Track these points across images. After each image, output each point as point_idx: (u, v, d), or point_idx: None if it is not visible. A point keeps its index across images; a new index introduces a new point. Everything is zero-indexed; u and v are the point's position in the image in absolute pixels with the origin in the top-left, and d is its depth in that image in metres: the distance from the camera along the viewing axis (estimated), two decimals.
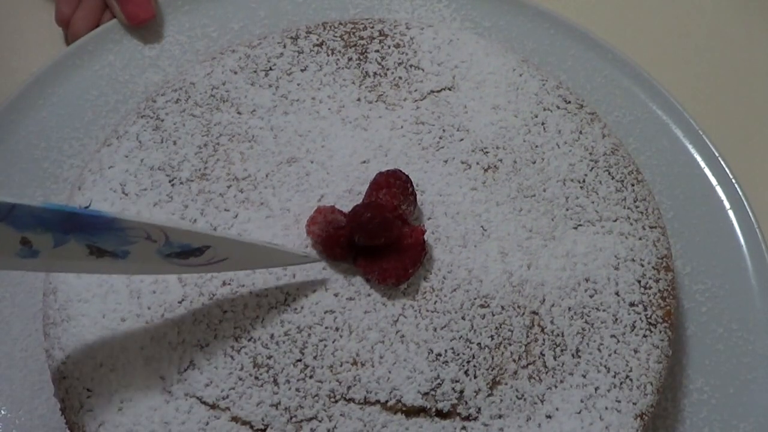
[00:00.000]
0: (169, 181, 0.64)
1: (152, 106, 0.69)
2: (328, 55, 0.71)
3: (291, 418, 0.54)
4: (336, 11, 0.85)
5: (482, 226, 0.62)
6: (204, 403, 0.55)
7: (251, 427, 0.54)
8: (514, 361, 0.58)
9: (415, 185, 0.63)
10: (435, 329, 0.58)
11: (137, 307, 0.58)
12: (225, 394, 0.55)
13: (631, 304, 0.61)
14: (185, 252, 0.53)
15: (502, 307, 0.59)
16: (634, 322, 0.60)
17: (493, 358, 0.57)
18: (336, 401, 0.55)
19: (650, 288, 0.62)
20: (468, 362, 0.57)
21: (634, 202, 0.66)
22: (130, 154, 0.66)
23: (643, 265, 0.63)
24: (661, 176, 0.78)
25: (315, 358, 0.56)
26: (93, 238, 0.50)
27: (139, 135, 0.67)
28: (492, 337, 0.58)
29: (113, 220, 0.50)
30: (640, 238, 0.64)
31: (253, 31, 0.83)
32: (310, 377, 0.56)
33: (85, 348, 0.57)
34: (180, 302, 0.58)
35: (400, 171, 0.61)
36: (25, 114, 0.77)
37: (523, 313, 0.59)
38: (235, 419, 0.54)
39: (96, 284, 0.59)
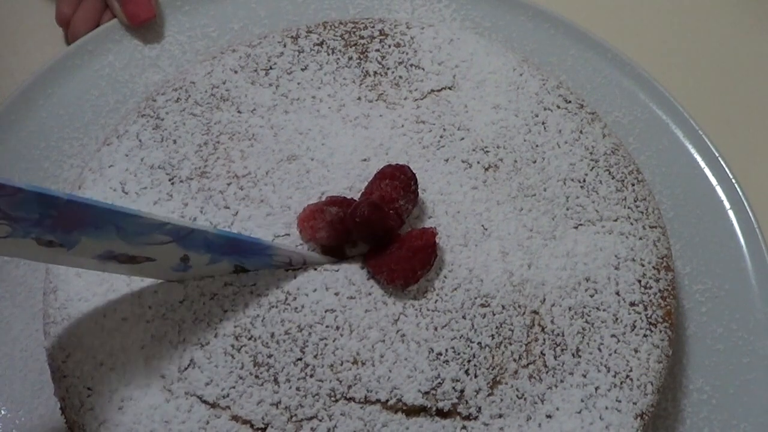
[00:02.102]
0: (169, 180, 0.64)
1: (152, 105, 0.68)
2: (328, 54, 0.71)
3: (291, 417, 0.54)
4: (336, 11, 0.85)
5: (483, 226, 0.62)
6: (204, 401, 0.55)
7: (251, 426, 0.54)
8: (514, 360, 0.58)
9: None
10: (435, 328, 0.58)
11: (138, 306, 0.58)
12: (225, 392, 0.55)
13: (632, 304, 0.61)
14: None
15: (503, 307, 0.59)
16: (635, 321, 0.60)
17: (493, 358, 0.57)
18: (336, 400, 0.55)
19: (650, 288, 0.62)
20: (468, 361, 0.57)
21: (635, 201, 0.66)
22: (130, 153, 0.66)
23: (643, 265, 0.63)
24: (661, 176, 0.78)
25: (315, 357, 0.56)
26: (244, 260, 0.57)
27: (139, 134, 0.67)
28: (492, 336, 0.58)
29: (269, 248, 0.57)
30: (640, 238, 0.64)
31: (253, 31, 0.83)
32: (311, 376, 0.55)
33: (85, 347, 0.57)
34: (181, 302, 0.58)
35: (408, 167, 0.61)
36: (25, 114, 0.76)
37: (524, 313, 0.59)
38: (235, 418, 0.54)
39: (96, 283, 0.59)
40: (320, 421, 0.54)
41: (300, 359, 0.56)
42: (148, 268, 0.54)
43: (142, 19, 0.80)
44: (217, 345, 0.56)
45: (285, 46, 0.72)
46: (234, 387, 0.55)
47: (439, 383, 0.56)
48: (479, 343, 0.57)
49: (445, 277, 0.60)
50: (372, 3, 0.86)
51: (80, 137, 0.77)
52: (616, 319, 0.60)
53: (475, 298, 0.59)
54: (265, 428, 0.54)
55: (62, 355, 0.57)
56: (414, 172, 0.61)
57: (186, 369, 0.56)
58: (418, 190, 0.62)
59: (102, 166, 0.65)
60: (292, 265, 0.59)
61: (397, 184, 0.60)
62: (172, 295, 0.58)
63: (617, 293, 0.61)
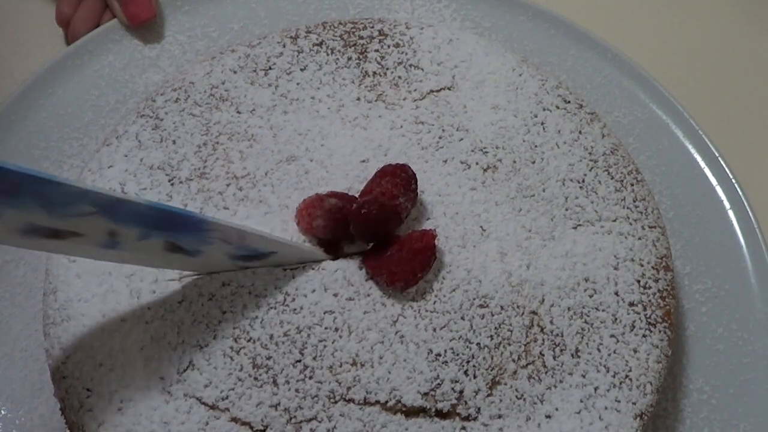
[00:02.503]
0: (169, 180, 0.64)
1: (152, 105, 0.69)
2: (327, 55, 0.71)
3: (291, 418, 0.54)
4: (336, 11, 0.85)
5: (481, 226, 0.62)
6: (203, 403, 0.55)
7: (251, 427, 0.54)
8: (513, 361, 0.58)
9: None
10: (434, 329, 0.58)
11: (137, 307, 0.58)
12: (224, 394, 0.55)
13: (631, 304, 0.61)
14: (252, 256, 0.57)
15: (502, 307, 0.59)
16: (634, 321, 0.60)
17: (492, 358, 0.57)
18: (336, 402, 0.55)
19: (650, 288, 0.62)
20: (467, 362, 0.57)
21: (634, 201, 0.65)
22: (129, 154, 0.66)
23: (642, 265, 0.63)
24: (661, 176, 0.78)
25: (314, 358, 0.56)
26: (176, 235, 0.52)
27: (138, 134, 0.67)
28: (491, 337, 0.58)
29: (203, 222, 0.52)
30: (639, 238, 0.64)
31: (253, 31, 0.83)
32: (310, 378, 0.55)
33: (85, 348, 0.57)
34: (180, 303, 0.58)
35: (409, 167, 0.61)
36: (25, 114, 0.77)
37: (523, 313, 0.59)
38: (234, 420, 0.54)
39: (96, 284, 0.59)
40: (319, 422, 0.54)
41: (299, 361, 0.56)
42: (74, 244, 0.50)
43: (142, 19, 0.80)
44: (216, 347, 0.56)
45: (284, 46, 0.72)
46: (233, 389, 0.55)
47: (438, 384, 0.56)
48: (478, 344, 0.57)
49: (444, 278, 0.60)
50: (372, 3, 0.86)
51: (80, 137, 0.77)
52: (615, 319, 0.60)
53: (474, 299, 0.59)
54: (265, 430, 0.54)
55: (62, 355, 0.57)
56: (414, 171, 0.61)
57: (185, 370, 0.56)
58: (417, 191, 0.62)
59: (101, 166, 0.65)
60: (228, 242, 0.55)
61: (397, 182, 0.60)
62: (170, 296, 0.58)
63: (616, 293, 0.61)
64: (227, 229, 0.54)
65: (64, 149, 0.76)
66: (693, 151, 0.79)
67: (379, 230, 0.59)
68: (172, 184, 0.64)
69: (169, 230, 0.52)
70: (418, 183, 0.62)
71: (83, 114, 0.78)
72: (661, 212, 0.69)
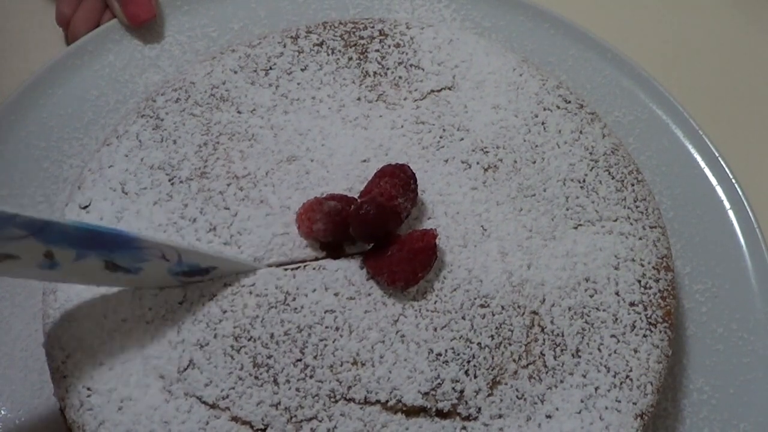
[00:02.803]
0: (169, 180, 0.64)
1: (152, 105, 0.68)
2: (328, 55, 0.71)
3: (291, 418, 0.54)
4: (336, 11, 0.85)
5: (482, 226, 0.62)
6: (204, 402, 0.55)
7: (251, 426, 0.54)
8: (514, 360, 0.58)
9: None
10: (435, 329, 0.58)
11: (138, 307, 0.58)
12: (225, 393, 0.55)
13: (631, 304, 0.61)
14: (193, 271, 0.57)
15: (502, 307, 0.59)
16: (634, 321, 0.60)
17: (493, 358, 0.57)
18: (336, 401, 0.55)
19: (650, 288, 0.62)
20: (468, 362, 0.57)
21: (634, 201, 0.65)
22: (129, 154, 0.66)
23: (643, 265, 0.63)
24: (661, 176, 0.78)
25: (315, 357, 0.56)
26: (112, 254, 0.53)
27: (139, 134, 0.67)
28: (492, 336, 0.58)
29: (134, 240, 0.53)
30: (640, 238, 0.64)
31: (253, 31, 0.83)
32: (311, 377, 0.55)
33: (85, 347, 0.57)
34: (180, 302, 0.58)
35: (408, 167, 0.61)
36: (25, 114, 0.76)
37: (523, 313, 0.59)
38: (235, 419, 0.54)
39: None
40: (320, 421, 0.54)
41: (300, 360, 0.56)
42: (13, 266, 0.50)
43: (142, 19, 0.80)
44: (216, 346, 0.56)
45: (285, 46, 0.72)
46: (234, 388, 0.55)
47: (439, 384, 0.56)
48: (479, 344, 0.57)
49: (445, 277, 0.60)
50: (372, 3, 0.86)
51: (80, 137, 0.77)
52: (616, 319, 0.60)
53: (475, 298, 0.59)
54: (265, 429, 0.54)
55: (62, 355, 0.57)
56: (414, 171, 0.61)
57: (185, 370, 0.56)
58: (418, 191, 0.62)
59: (102, 166, 0.65)
60: (166, 258, 0.56)
61: (396, 182, 0.60)
62: (171, 295, 0.58)
63: (617, 293, 0.61)
64: (161, 246, 0.54)
65: (64, 149, 0.76)
66: (693, 151, 0.79)
67: (378, 231, 0.58)
68: (172, 184, 0.64)
69: (104, 249, 0.52)
70: (419, 183, 0.62)
71: (83, 114, 0.78)
72: (661, 212, 0.69)
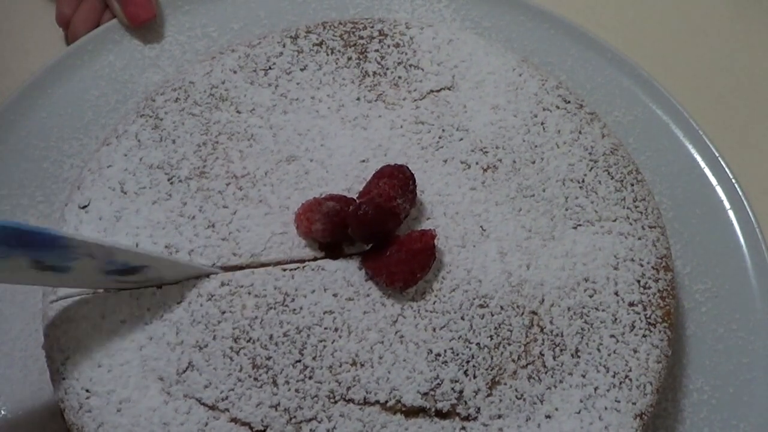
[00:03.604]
0: (168, 180, 0.64)
1: (151, 105, 0.68)
2: (327, 55, 0.71)
3: (290, 419, 0.54)
4: (336, 11, 0.85)
5: (481, 226, 0.62)
6: (203, 404, 0.55)
7: (250, 428, 0.54)
8: (513, 361, 0.58)
9: None
10: (434, 329, 0.58)
11: (136, 308, 0.58)
12: (224, 395, 0.55)
13: (631, 304, 0.61)
14: (125, 270, 0.56)
15: (501, 307, 0.59)
16: (634, 321, 0.60)
17: (492, 358, 0.57)
18: (335, 402, 0.55)
19: (649, 288, 0.62)
20: (467, 362, 0.57)
21: (634, 201, 0.65)
22: (129, 153, 0.66)
23: (642, 265, 0.62)
24: (661, 176, 0.78)
25: (314, 358, 0.56)
26: (38, 253, 0.51)
27: (138, 134, 0.67)
28: (491, 337, 0.58)
29: (57, 238, 0.52)
30: (639, 238, 0.64)
31: (253, 31, 0.83)
32: (310, 378, 0.55)
33: (84, 349, 0.57)
34: (178, 303, 0.58)
35: (407, 167, 0.61)
36: (25, 114, 0.77)
37: (522, 313, 0.59)
38: (234, 420, 0.54)
39: None
40: (319, 422, 0.54)
41: (299, 361, 0.56)
42: None
43: (142, 19, 0.80)
44: (215, 347, 0.56)
45: (284, 46, 0.72)
46: (233, 389, 0.55)
47: (438, 384, 0.56)
48: (478, 344, 0.57)
49: (444, 278, 0.60)
50: (372, 3, 0.86)
51: (80, 137, 0.77)
52: (615, 319, 0.60)
53: (474, 298, 0.59)
54: (264, 430, 0.54)
55: (61, 357, 0.57)
56: (413, 172, 0.61)
57: (185, 371, 0.56)
58: (417, 191, 0.62)
59: (101, 166, 0.65)
60: (93, 257, 0.54)
61: (395, 183, 0.60)
62: (169, 296, 0.58)
63: (616, 293, 0.61)
64: (88, 245, 0.54)
65: (64, 149, 0.76)
66: (693, 151, 0.79)
67: (376, 231, 0.58)
68: (171, 183, 0.64)
69: (28, 248, 0.51)
70: (418, 183, 0.62)
71: (83, 114, 0.78)
72: (661, 212, 0.69)
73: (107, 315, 0.58)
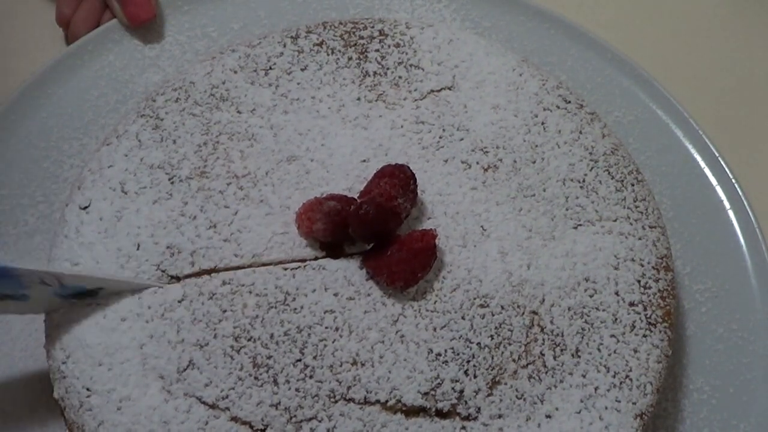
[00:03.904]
0: (169, 179, 0.64)
1: (152, 105, 0.68)
2: (328, 55, 0.71)
3: (291, 418, 0.54)
4: (336, 11, 0.85)
5: (482, 226, 0.62)
6: (203, 402, 0.55)
7: (251, 427, 0.54)
8: (513, 360, 0.58)
9: None
10: (435, 329, 0.58)
11: (137, 306, 0.58)
12: (224, 394, 0.55)
13: (631, 304, 0.61)
14: (81, 293, 0.57)
15: (502, 307, 0.59)
16: (634, 321, 0.60)
17: (492, 358, 0.57)
18: (336, 401, 0.55)
19: (650, 288, 0.62)
20: (468, 362, 0.57)
21: (634, 201, 0.65)
22: (129, 153, 0.66)
23: (642, 265, 0.62)
24: (661, 176, 0.78)
25: (315, 358, 0.56)
26: None
27: (138, 134, 0.67)
28: (492, 336, 0.58)
29: (5, 269, 0.53)
30: (639, 238, 0.64)
31: (253, 31, 0.83)
32: (310, 377, 0.55)
33: (84, 347, 0.57)
34: (180, 301, 0.58)
35: (408, 167, 0.61)
36: (25, 114, 0.77)
37: (523, 313, 0.59)
38: (234, 419, 0.54)
39: None
40: (320, 421, 0.54)
41: (299, 360, 0.56)
42: None
43: (142, 19, 0.80)
44: (216, 345, 0.56)
45: (285, 46, 0.72)
46: (233, 388, 0.55)
47: (439, 384, 0.56)
48: (478, 344, 0.57)
49: (444, 277, 0.60)
50: (372, 3, 0.86)
51: (80, 137, 0.77)
52: (616, 319, 0.60)
53: (474, 298, 0.59)
54: (265, 429, 0.54)
55: (62, 355, 0.57)
56: (413, 171, 0.61)
57: (185, 370, 0.56)
58: (418, 191, 0.62)
59: (101, 166, 0.65)
60: (47, 283, 0.55)
61: (396, 183, 0.60)
62: (170, 294, 0.58)
63: (617, 293, 0.61)
64: (38, 273, 0.54)
65: (64, 149, 0.76)
66: (693, 151, 0.79)
67: (377, 231, 0.59)
68: (172, 183, 0.64)
69: None
70: (419, 183, 0.63)
71: (83, 114, 0.78)
72: (662, 212, 0.69)
73: (108, 313, 0.58)
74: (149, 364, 0.56)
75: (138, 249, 0.61)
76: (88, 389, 0.56)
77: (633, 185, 0.66)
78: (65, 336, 0.58)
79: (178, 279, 0.59)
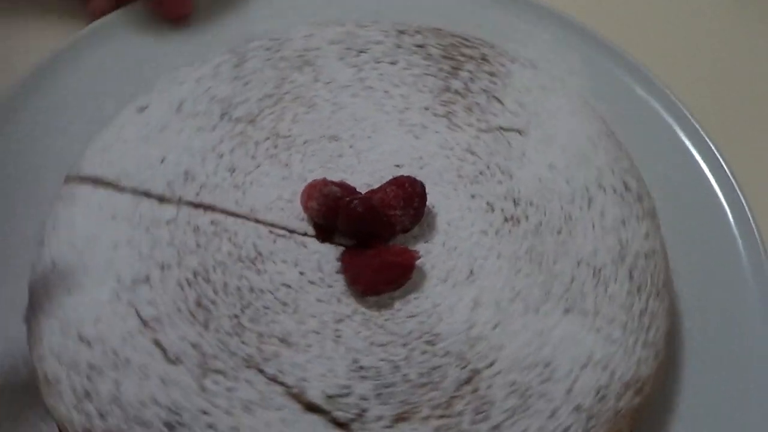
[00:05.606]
0: (221, 115, 0.67)
1: (244, 46, 0.72)
2: (422, 59, 0.72)
3: (202, 363, 0.56)
4: (472, 26, 0.81)
5: (471, 270, 0.60)
6: (139, 316, 0.57)
7: (165, 354, 0.56)
8: (431, 407, 0.55)
9: (431, 206, 0.62)
10: (371, 343, 0.57)
11: (132, 211, 0.62)
12: (159, 317, 0.57)
13: (576, 408, 0.56)
14: None
15: (447, 352, 0.57)
16: (570, 426, 0.56)
17: (411, 395, 0.55)
18: (248, 366, 0.56)
19: (606, 401, 0.57)
20: (385, 387, 0.55)
21: (641, 313, 0.60)
22: (201, 79, 0.70)
23: (612, 377, 0.57)
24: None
25: (250, 320, 0.57)
26: None
27: (219, 65, 0.70)
28: (421, 374, 0.56)
29: None
30: (625, 350, 0.59)
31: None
32: (237, 335, 0.56)
33: (70, 226, 0.62)
34: (167, 223, 0.61)
35: (422, 185, 0.61)
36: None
37: (465, 367, 0.57)
38: (156, 342, 0.56)
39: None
40: (225, 377, 0.55)
41: (236, 316, 0.57)
42: None
43: (179, 14, 0.80)
44: (174, 272, 0.59)
45: (387, 36, 0.73)
46: (169, 315, 0.57)
47: (347, 394, 0.55)
48: (404, 375, 0.56)
49: (409, 302, 0.59)
50: (506, 31, 0.84)
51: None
52: (553, 414, 0.56)
53: (425, 333, 0.57)
54: (175, 361, 0.56)
55: (51, 223, 0.62)
56: (429, 192, 0.61)
57: (139, 282, 0.59)
58: (430, 213, 0.61)
59: (174, 80, 0.70)
60: None
61: (400, 194, 0.59)
62: (164, 213, 0.62)
63: (568, 391, 0.57)
64: None
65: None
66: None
67: (360, 230, 0.58)
68: (221, 118, 0.67)
69: None
70: (435, 206, 0.62)
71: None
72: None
73: (105, 206, 0.62)
74: (114, 264, 0.60)
75: (161, 162, 0.64)
76: (54, 263, 0.60)
77: (649, 298, 0.61)
78: (64, 208, 0.62)
79: (177, 202, 0.62)
